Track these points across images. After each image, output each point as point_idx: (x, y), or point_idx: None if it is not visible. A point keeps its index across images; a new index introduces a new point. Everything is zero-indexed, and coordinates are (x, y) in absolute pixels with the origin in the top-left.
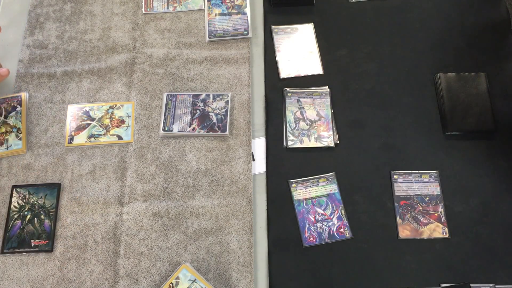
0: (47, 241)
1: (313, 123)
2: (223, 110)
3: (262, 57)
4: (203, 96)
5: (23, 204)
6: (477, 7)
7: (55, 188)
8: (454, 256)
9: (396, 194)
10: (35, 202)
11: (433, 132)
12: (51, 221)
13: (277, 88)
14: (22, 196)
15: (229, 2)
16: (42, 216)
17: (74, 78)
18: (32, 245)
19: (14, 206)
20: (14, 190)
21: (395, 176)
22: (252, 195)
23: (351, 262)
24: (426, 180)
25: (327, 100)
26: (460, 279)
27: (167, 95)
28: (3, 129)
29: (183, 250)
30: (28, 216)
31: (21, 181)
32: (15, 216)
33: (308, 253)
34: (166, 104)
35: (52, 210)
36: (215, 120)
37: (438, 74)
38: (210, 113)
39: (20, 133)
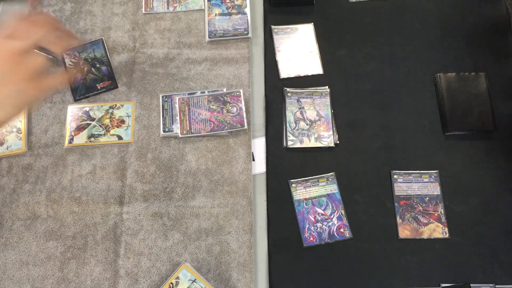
0: (110, 81)
1: (313, 123)
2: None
3: (262, 57)
4: (198, 93)
5: (76, 61)
6: (477, 7)
7: (99, 42)
8: (454, 256)
9: (396, 194)
10: (87, 57)
11: (433, 132)
12: (107, 66)
13: (277, 88)
14: (73, 55)
15: (229, 2)
16: (97, 65)
17: None
18: (99, 87)
19: (69, 65)
20: (63, 55)
21: (395, 176)
22: (252, 195)
23: (351, 262)
24: (426, 180)
25: (327, 100)
26: (460, 279)
27: (163, 96)
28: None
29: (183, 250)
30: (85, 68)
31: (21, 181)
32: (74, 71)
33: (308, 253)
34: (163, 106)
35: (104, 58)
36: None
37: (438, 74)
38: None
39: (20, 133)
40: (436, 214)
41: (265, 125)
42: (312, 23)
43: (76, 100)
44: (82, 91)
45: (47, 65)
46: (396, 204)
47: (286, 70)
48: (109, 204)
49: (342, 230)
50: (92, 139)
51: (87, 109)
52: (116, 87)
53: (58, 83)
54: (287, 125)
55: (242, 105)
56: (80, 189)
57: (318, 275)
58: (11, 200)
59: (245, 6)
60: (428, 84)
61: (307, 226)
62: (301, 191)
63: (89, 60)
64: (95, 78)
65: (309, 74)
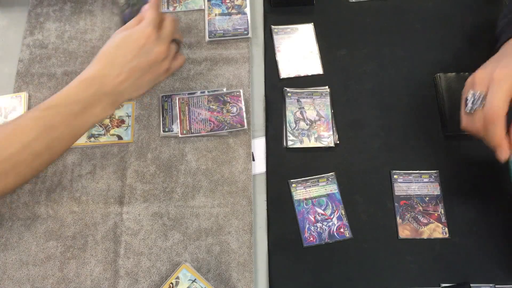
0: None
1: (313, 123)
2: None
3: (262, 57)
4: (198, 93)
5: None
6: (477, 7)
7: None
8: (454, 256)
9: (396, 194)
10: None
11: (433, 132)
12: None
13: (277, 88)
14: None
15: (229, 2)
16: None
17: (74, 78)
18: None
19: (121, 2)
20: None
21: (395, 176)
22: (252, 195)
23: (351, 262)
24: (426, 180)
25: (327, 100)
26: (460, 279)
27: (163, 96)
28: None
29: (183, 250)
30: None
31: None
32: (125, 9)
33: (308, 253)
34: (162, 106)
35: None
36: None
37: (438, 74)
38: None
39: None
40: (436, 214)
41: (265, 125)
42: (312, 23)
43: None
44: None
45: (177, 51)
46: (396, 204)
47: (286, 70)
48: (109, 204)
49: (342, 230)
50: (92, 139)
51: None
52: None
53: (180, 65)
54: (287, 125)
55: (242, 105)
56: (80, 189)
57: (318, 275)
58: (11, 200)
59: (245, 6)
60: (428, 84)
61: (307, 226)
62: (301, 191)
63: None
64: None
65: (309, 74)
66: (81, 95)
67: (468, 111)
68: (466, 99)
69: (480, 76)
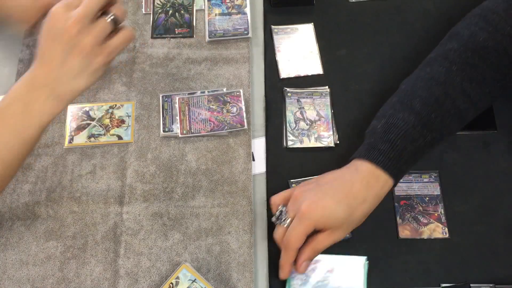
0: (188, 30)
1: (313, 123)
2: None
3: (262, 57)
4: (198, 93)
5: (165, 2)
6: None
7: None
8: (454, 256)
9: (396, 194)
10: (175, 1)
11: None
12: (190, 15)
13: (277, 88)
14: None
15: (229, 2)
16: (182, 11)
17: None
18: (176, 32)
19: (157, 4)
20: None
21: None
22: (252, 195)
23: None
24: (426, 180)
25: (327, 100)
26: (460, 279)
27: (163, 96)
28: None
29: (183, 250)
30: (170, 11)
31: (21, 181)
32: (159, 11)
33: None
34: (162, 106)
35: (190, 7)
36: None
37: None
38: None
39: None
40: (436, 214)
41: (265, 125)
42: (312, 23)
43: (153, 37)
44: (160, 31)
45: (111, 28)
46: (396, 204)
47: (286, 70)
48: (109, 204)
49: None
50: (92, 139)
51: (87, 109)
52: (192, 36)
53: (124, 41)
54: (287, 125)
55: (242, 105)
56: (80, 189)
57: None
58: (11, 200)
59: (245, 6)
60: None
61: None
62: None
63: (176, 5)
64: (176, 23)
65: (309, 74)
66: (18, 93)
67: (273, 221)
68: (276, 210)
69: (295, 198)
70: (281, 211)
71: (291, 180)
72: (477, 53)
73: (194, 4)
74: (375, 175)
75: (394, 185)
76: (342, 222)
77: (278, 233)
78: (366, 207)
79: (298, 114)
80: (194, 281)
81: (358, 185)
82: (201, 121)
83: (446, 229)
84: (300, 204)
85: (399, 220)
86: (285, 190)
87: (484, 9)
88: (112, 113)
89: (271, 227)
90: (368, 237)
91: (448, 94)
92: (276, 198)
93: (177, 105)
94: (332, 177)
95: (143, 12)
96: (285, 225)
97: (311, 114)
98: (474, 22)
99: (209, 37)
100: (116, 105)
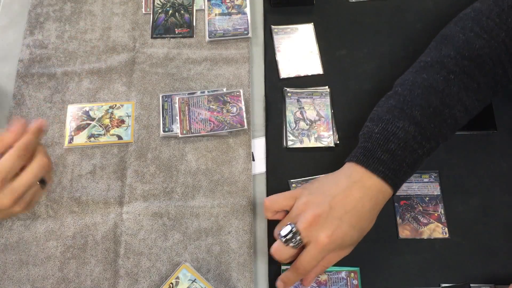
0: (188, 30)
1: (313, 123)
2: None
3: (262, 57)
4: (198, 93)
5: (165, 2)
6: None
7: None
8: (454, 256)
9: (396, 194)
10: (175, 1)
11: None
12: (190, 15)
13: (277, 88)
14: None
15: (229, 2)
16: (182, 11)
17: (74, 78)
18: (176, 32)
19: (157, 4)
20: None
21: None
22: (252, 195)
23: (351, 262)
24: (426, 180)
25: (327, 100)
26: (460, 279)
27: (163, 96)
28: None
29: (183, 250)
30: (170, 11)
31: None
32: (159, 11)
33: None
34: (162, 106)
35: (190, 7)
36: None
37: None
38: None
39: None
40: (436, 214)
41: (265, 125)
42: (312, 23)
43: (153, 37)
44: (160, 31)
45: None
46: (396, 204)
47: (286, 70)
48: (109, 204)
49: None
50: (92, 139)
51: (87, 109)
52: (192, 36)
53: (33, 178)
54: (287, 125)
55: (242, 105)
56: (80, 189)
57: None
58: None
59: (245, 6)
60: None
61: None
62: None
63: (176, 5)
64: (176, 23)
65: (309, 74)
66: None
67: (278, 238)
68: (284, 228)
69: (301, 210)
70: (292, 232)
71: (291, 180)
72: (473, 62)
73: (194, 4)
74: (382, 190)
75: (393, 195)
76: (354, 243)
77: (283, 253)
78: (372, 224)
79: (298, 114)
80: (194, 281)
81: (367, 205)
82: (201, 121)
83: (446, 229)
84: (317, 232)
85: (399, 220)
86: (282, 194)
87: (477, 12)
88: (112, 113)
89: (271, 227)
90: (368, 237)
91: (445, 103)
92: (275, 205)
93: (177, 105)
94: (340, 189)
95: (143, 12)
96: (294, 247)
97: (311, 114)
98: (468, 27)
99: (209, 37)
100: (116, 105)
